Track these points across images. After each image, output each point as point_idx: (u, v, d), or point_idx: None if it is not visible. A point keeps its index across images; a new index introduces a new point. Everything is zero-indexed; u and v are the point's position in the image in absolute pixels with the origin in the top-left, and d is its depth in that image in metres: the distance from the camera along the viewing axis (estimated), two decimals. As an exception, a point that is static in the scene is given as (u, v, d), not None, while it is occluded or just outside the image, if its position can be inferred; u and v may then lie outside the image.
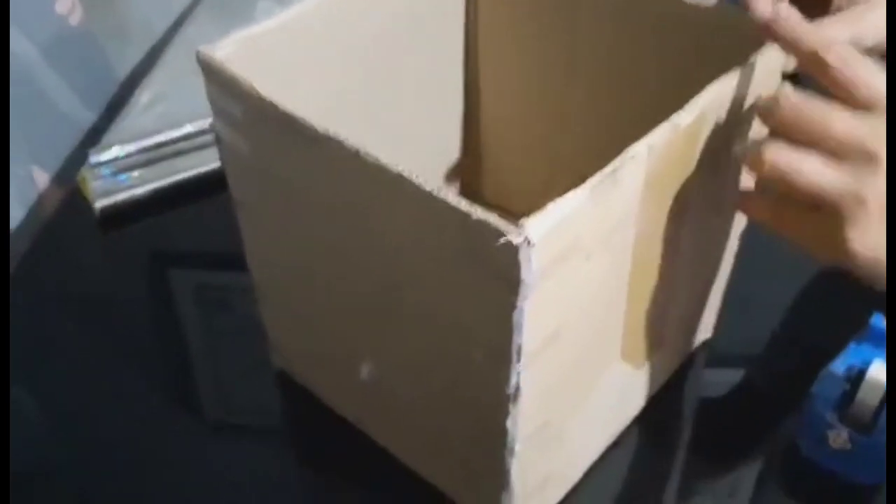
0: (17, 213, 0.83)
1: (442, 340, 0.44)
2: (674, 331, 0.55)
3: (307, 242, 0.49)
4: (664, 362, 0.58)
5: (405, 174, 0.38)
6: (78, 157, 0.91)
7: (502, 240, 0.35)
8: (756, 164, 0.41)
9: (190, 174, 0.75)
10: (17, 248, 0.81)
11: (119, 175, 0.73)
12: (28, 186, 0.84)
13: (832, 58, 0.40)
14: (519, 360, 0.40)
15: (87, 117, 0.93)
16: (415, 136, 0.63)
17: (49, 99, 0.88)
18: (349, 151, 0.39)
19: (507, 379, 0.41)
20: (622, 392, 0.54)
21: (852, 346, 0.55)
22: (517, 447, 0.45)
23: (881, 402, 0.51)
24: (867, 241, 0.39)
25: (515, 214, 0.36)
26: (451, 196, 0.37)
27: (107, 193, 0.73)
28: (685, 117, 0.41)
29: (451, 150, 0.69)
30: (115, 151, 0.73)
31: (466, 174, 0.71)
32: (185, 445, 0.59)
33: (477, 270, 0.38)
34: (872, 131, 0.39)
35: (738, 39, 0.46)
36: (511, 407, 0.42)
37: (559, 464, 0.51)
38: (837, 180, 0.39)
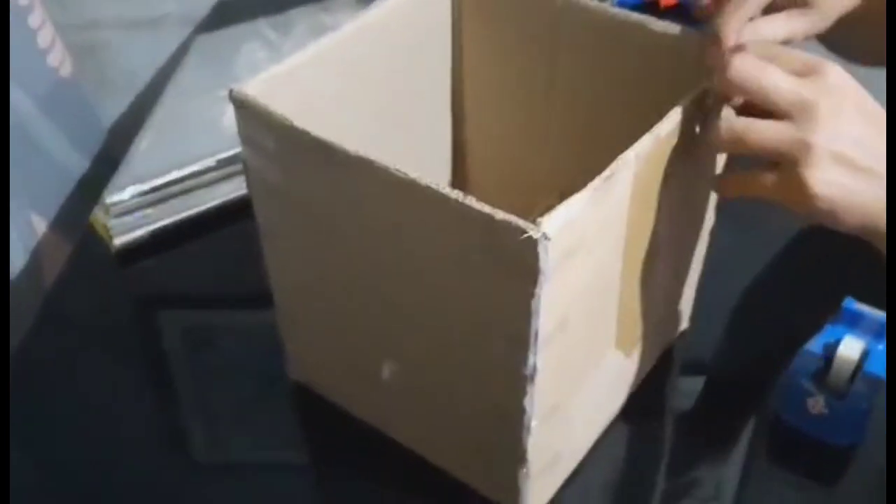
0: (18, 259, 0.86)
1: (464, 333, 0.50)
2: (655, 322, 0.62)
3: (335, 260, 0.54)
4: (648, 351, 0.64)
5: (433, 185, 0.44)
6: (74, 204, 0.94)
7: (524, 236, 0.41)
8: (716, 137, 0.49)
9: (201, 209, 0.81)
10: (22, 290, 0.84)
11: (135, 213, 0.78)
12: (28, 233, 0.88)
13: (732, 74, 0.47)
14: (535, 344, 0.46)
15: (80, 164, 0.97)
16: (411, 158, 0.69)
17: (44, 148, 0.92)
18: (383, 169, 0.45)
19: (524, 362, 0.47)
20: (616, 378, 0.61)
21: (827, 327, 0.62)
22: (533, 424, 0.51)
23: (853, 371, 0.58)
24: (823, 179, 0.46)
25: None
26: (475, 201, 0.43)
27: (124, 231, 0.78)
28: (665, 127, 0.48)
29: (441, 170, 0.75)
30: (131, 191, 0.77)
31: (456, 184, 0.77)
32: (207, 469, 0.64)
33: (499, 266, 0.44)
34: (809, 85, 0.46)
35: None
36: (528, 387, 0.48)
37: (566, 443, 0.57)
38: (784, 133, 0.46)
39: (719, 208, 0.62)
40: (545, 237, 0.41)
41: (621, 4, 1.10)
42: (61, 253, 0.88)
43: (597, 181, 0.45)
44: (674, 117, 0.49)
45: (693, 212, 0.60)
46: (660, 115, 0.50)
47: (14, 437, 0.61)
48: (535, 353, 0.47)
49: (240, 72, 0.92)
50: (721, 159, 0.59)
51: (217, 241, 0.80)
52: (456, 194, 0.44)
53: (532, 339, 0.46)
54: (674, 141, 0.50)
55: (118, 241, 0.78)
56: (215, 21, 1.08)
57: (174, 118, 0.87)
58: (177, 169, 0.80)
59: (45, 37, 0.94)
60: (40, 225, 0.91)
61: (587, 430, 0.60)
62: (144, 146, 0.84)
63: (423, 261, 0.49)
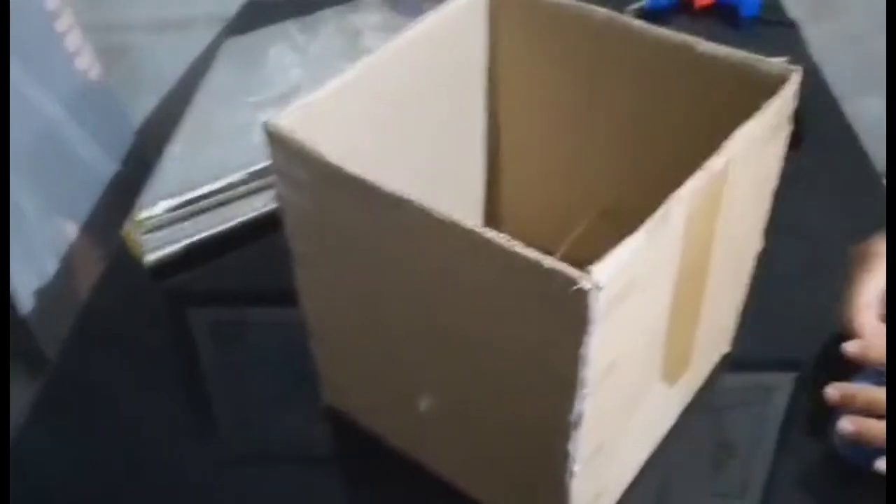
0: (50, 265, 0.85)
1: (508, 375, 0.48)
2: (700, 349, 0.60)
3: (371, 293, 0.53)
4: (692, 378, 0.62)
5: (477, 230, 0.42)
6: (105, 207, 0.94)
7: (574, 288, 0.39)
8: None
9: (234, 223, 0.79)
10: (56, 298, 0.83)
11: (166, 228, 0.77)
12: (60, 239, 0.88)
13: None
14: (582, 390, 0.44)
15: (109, 168, 0.96)
16: (445, 174, 0.68)
17: (74, 153, 0.92)
18: (422, 211, 0.44)
19: (571, 407, 0.45)
20: (660, 410, 0.59)
21: (854, 381, 0.60)
22: (576, 468, 0.49)
23: None
24: None
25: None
26: (522, 247, 0.41)
27: (156, 246, 0.77)
28: (717, 163, 0.46)
29: (475, 183, 0.73)
30: (163, 206, 0.76)
31: (491, 209, 0.75)
32: (241, 478, 0.63)
33: (546, 313, 0.42)
34: None
35: (751, 84, 0.52)
36: (573, 432, 0.47)
37: (609, 481, 0.56)
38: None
39: (768, 228, 0.60)
40: (598, 286, 0.39)
41: (655, 5, 1.08)
42: (93, 258, 0.88)
43: (650, 222, 0.43)
44: (728, 150, 0.47)
45: (743, 239, 0.58)
46: (708, 140, 0.47)
47: (52, 444, 0.62)
48: (582, 400, 0.45)
49: (269, 75, 0.91)
50: (772, 185, 0.57)
51: (250, 254, 0.79)
52: (502, 238, 0.42)
53: (579, 386, 0.44)
54: (727, 174, 0.48)
55: (150, 257, 0.77)
56: (243, 22, 1.07)
57: (205, 125, 0.86)
58: (209, 179, 0.79)
59: (73, 40, 0.94)
60: (72, 230, 0.90)
61: (630, 465, 0.59)
62: (176, 155, 0.83)
63: (466, 301, 0.47)
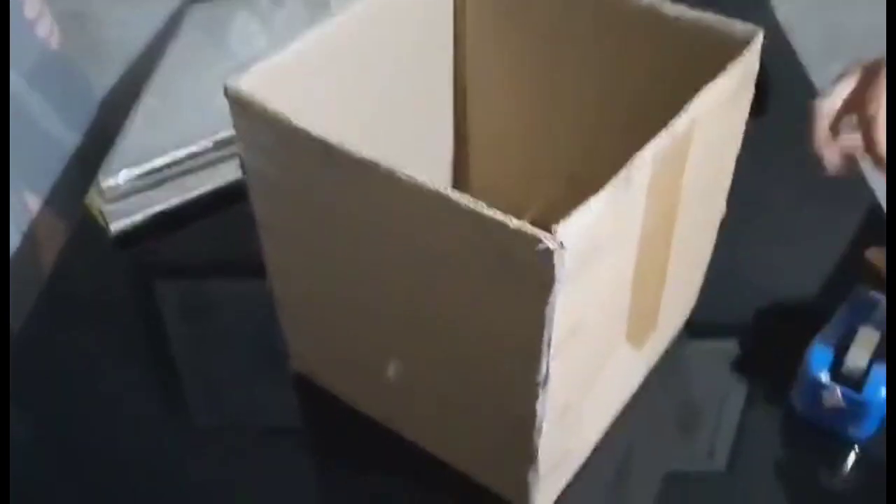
0: (13, 239, 0.84)
1: (474, 339, 0.48)
2: (666, 312, 0.61)
3: (337, 259, 0.52)
4: (658, 342, 0.63)
5: (443, 191, 0.42)
6: (67, 179, 0.92)
7: (540, 246, 0.39)
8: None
9: (198, 192, 0.78)
10: (20, 271, 0.82)
11: (130, 197, 0.76)
12: (22, 212, 0.86)
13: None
14: (549, 352, 0.45)
15: (72, 139, 0.94)
16: (413, 145, 0.67)
17: (35, 123, 0.90)
18: (388, 172, 0.43)
19: (537, 368, 0.45)
20: (626, 372, 0.59)
21: (839, 315, 0.61)
22: (544, 428, 0.49)
23: (869, 362, 0.57)
24: None
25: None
26: (487, 208, 0.41)
27: (120, 216, 0.76)
28: (681, 123, 0.46)
29: (443, 149, 0.73)
30: (125, 175, 0.75)
31: (460, 173, 0.75)
32: (207, 447, 0.63)
33: (512, 274, 0.42)
34: None
35: (717, 46, 0.52)
36: (540, 392, 0.47)
37: (576, 440, 0.56)
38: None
39: (731, 194, 0.61)
40: (562, 246, 0.40)
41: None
42: (58, 231, 0.86)
43: (613, 182, 0.43)
44: (692, 111, 0.47)
45: (708, 202, 0.59)
46: (673, 101, 0.48)
47: (19, 417, 0.62)
48: (548, 361, 0.45)
49: (233, 44, 0.89)
50: (736, 148, 0.57)
51: (216, 224, 0.78)
52: (466, 199, 0.42)
53: (545, 347, 0.44)
54: (691, 136, 0.48)
55: (114, 226, 0.76)
56: None
57: (168, 94, 0.84)
58: (172, 148, 0.77)
59: (32, 6, 0.90)
60: (35, 203, 0.88)
61: (595, 426, 0.59)
62: (138, 124, 0.81)
63: (431, 264, 0.47)
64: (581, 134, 0.65)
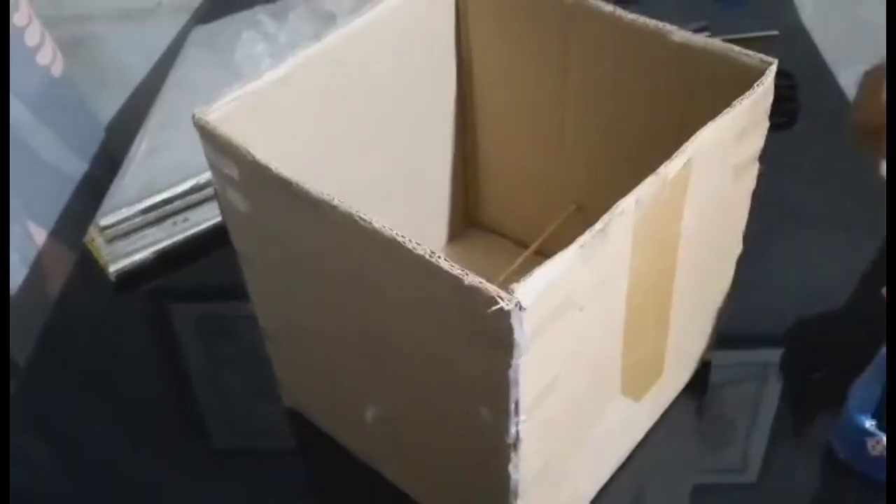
0: (17, 272, 0.81)
1: (444, 394, 0.45)
2: (673, 360, 0.56)
3: (307, 295, 0.50)
4: (665, 390, 0.58)
5: (399, 238, 0.39)
6: (73, 210, 0.88)
7: (494, 307, 0.36)
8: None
9: (200, 228, 0.75)
10: (24, 303, 0.79)
11: (129, 236, 0.72)
12: (26, 242, 0.83)
13: None
14: (517, 414, 0.41)
15: (78, 167, 0.91)
16: (415, 168, 0.64)
17: (39, 152, 0.86)
18: (345, 216, 0.40)
19: (507, 430, 0.42)
20: (624, 424, 0.55)
21: (883, 351, 0.55)
22: (520, 489, 0.46)
23: None
24: None
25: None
26: (444, 261, 0.38)
27: (119, 256, 0.73)
28: (672, 167, 0.42)
29: (449, 180, 0.69)
30: (124, 213, 0.72)
31: (467, 201, 0.72)
32: (204, 480, 0.61)
33: (471, 331, 0.39)
34: None
35: (728, 75, 0.47)
36: (512, 455, 0.43)
37: (564, 497, 0.52)
38: None
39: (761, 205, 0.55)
40: (519, 307, 0.36)
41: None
42: (63, 262, 0.82)
43: (586, 236, 0.39)
44: (683, 156, 0.42)
45: (719, 242, 0.54)
46: (682, 136, 0.43)
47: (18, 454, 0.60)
48: (518, 423, 0.41)
49: (239, 65, 0.86)
50: (751, 184, 0.53)
51: (225, 256, 0.74)
52: (424, 250, 0.38)
53: (513, 409, 0.41)
54: (688, 177, 0.44)
55: (114, 267, 0.73)
56: (211, 9, 1.02)
57: (171, 121, 0.81)
58: (177, 180, 0.73)
59: (32, 34, 0.87)
60: (39, 234, 0.85)
61: (590, 480, 0.55)
62: (141, 154, 0.78)
63: (394, 312, 0.44)
64: (589, 163, 0.61)
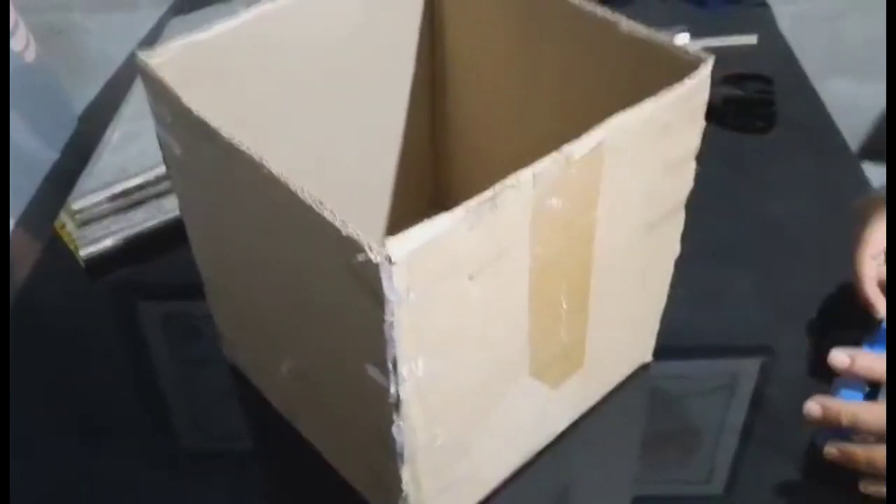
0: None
1: (338, 347, 0.46)
2: (601, 353, 0.56)
3: (231, 242, 0.51)
4: (591, 383, 0.58)
5: (291, 186, 0.40)
6: (43, 200, 0.85)
7: (361, 256, 0.36)
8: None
9: (174, 215, 0.72)
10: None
11: (102, 220, 0.71)
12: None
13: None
14: (396, 372, 0.41)
15: (49, 156, 0.89)
16: (384, 135, 0.65)
17: (10, 140, 0.83)
18: (250, 160, 0.41)
19: (387, 390, 0.42)
20: (540, 413, 0.55)
21: (864, 349, 0.56)
22: (407, 454, 0.46)
23: None
24: None
25: None
26: (328, 211, 0.38)
27: (90, 241, 0.72)
28: (578, 147, 0.42)
29: (420, 148, 0.70)
30: (95, 198, 0.71)
31: (439, 173, 0.72)
32: (177, 469, 0.60)
33: (354, 283, 0.39)
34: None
35: (668, 69, 0.47)
36: (395, 416, 0.44)
37: (465, 473, 0.52)
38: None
39: (688, 239, 0.55)
40: (389, 260, 0.36)
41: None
42: (30, 253, 0.79)
43: (474, 201, 0.39)
44: (592, 138, 0.43)
45: (653, 242, 0.54)
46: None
47: None
48: (398, 383, 0.42)
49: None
50: (686, 184, 0.52)
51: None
52: (312, 199, 0.39)
53: (390, 368, 0.41)
54: (600, 163, 0.44)
55: (84, 251, 0.72)
56: (190, 0, 1.01)
57: (146, 110, 0.81)
58: (148, 168, 0.72)
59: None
60: (8, 223, 0.81)
61: (498, 461, 0.55)
62: (114, 142, 0.77)
63: (295, 264, 0.44)
64: (543, 139, 0.61)
